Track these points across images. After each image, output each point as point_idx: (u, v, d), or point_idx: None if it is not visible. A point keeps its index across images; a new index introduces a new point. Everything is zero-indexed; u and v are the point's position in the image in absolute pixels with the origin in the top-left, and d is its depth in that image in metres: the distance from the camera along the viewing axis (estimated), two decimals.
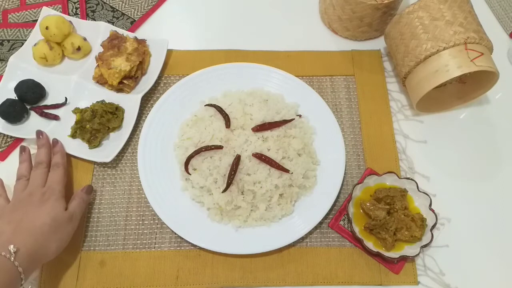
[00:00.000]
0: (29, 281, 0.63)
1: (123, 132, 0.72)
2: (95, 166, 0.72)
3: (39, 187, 0.63)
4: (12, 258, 0.54)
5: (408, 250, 0.64)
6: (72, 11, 0.85)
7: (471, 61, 0.65)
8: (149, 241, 0.67)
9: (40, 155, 0.67)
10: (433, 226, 0.64)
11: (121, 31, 0.78)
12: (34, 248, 0.57)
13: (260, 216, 0.66)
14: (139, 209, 0.69)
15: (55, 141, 0.70)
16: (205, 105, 0.72)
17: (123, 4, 0.86)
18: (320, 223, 0.67)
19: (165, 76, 0.79)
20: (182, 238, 0.65)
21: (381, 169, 0.71)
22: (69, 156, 0.71)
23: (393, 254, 0.64)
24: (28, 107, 0.73)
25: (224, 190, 0.65)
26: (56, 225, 0.60)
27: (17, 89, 0.72)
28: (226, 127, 0.68)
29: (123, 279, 0.64)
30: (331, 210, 0.68)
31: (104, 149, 0.71)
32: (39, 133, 0.69)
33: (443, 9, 0.68)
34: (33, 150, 0.72)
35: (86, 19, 0.84)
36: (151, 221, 0.68)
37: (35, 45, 0.76)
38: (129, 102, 0.74)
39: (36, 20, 0.79)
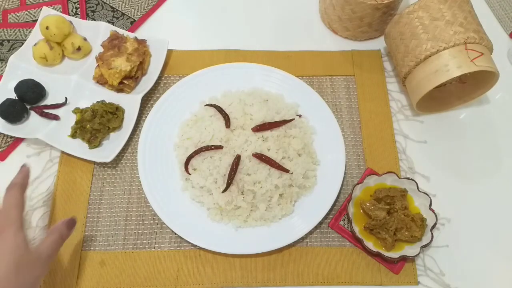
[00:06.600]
0: None
1: (123, 132, 0.72)
2: (95, 166, 0.72)
3: None
4: None
5: (408, 250, 0.64)
6: (72, 11, 0.85)
7: (471, 61, 0.65)
8: (149, 241, 0.67)
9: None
10: (433, 226, 0.64)
11: (121, 31, 0.78)
12: None
13: (260, 216, 0.66)
14: (139, 209, 0.69)
15: (23, 165, 0.58)
16: (205, 105, 0.72)
17: (123, 4, 0.86)
18: (320, 223, 0.67)
19: (165, 76, 0.79)
20: (182, 238, 0.65)
21: (381, 169, 0.71)
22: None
23: (393, 254, 0.64)
24: (28, 107, 0.73)
25: (224, 190, 0.65)
26: (19, 270, 0.46)
27: (17, 89, 0.72)
28: (226, 127, 0.68)
29: (123, 279, 0.64)
30: (331, 210, 0.68)
31: (104, 149, 0.71)
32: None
33: (443, 9, 0.68)
34: (32, 150, 0.72)
35: (86, 19, 0.84)
36: (151, 221, 0.68)
37: (35, 45, 0.76)
38: (129, 102, 0.74)
39: (36, 20, 0.79)
